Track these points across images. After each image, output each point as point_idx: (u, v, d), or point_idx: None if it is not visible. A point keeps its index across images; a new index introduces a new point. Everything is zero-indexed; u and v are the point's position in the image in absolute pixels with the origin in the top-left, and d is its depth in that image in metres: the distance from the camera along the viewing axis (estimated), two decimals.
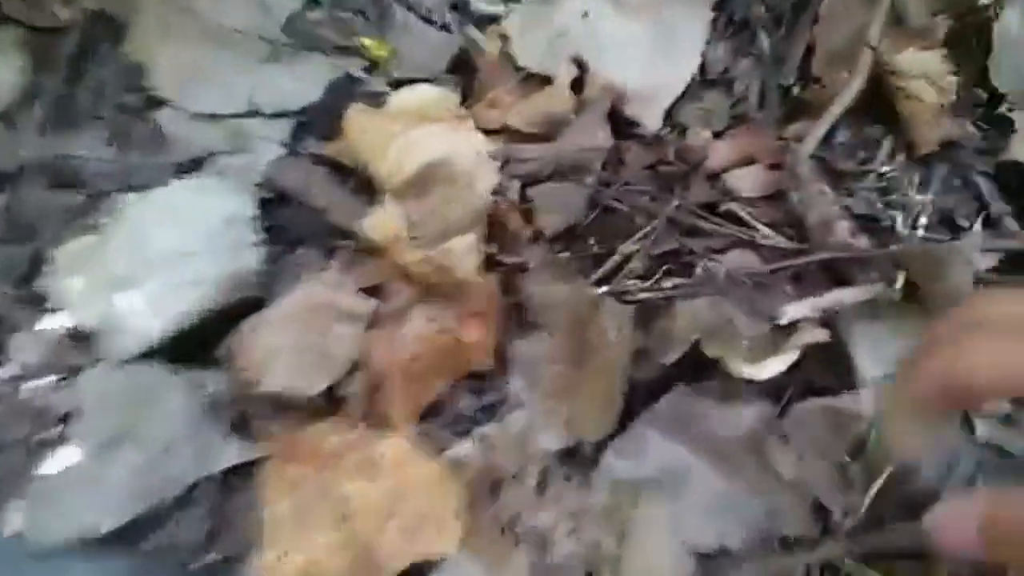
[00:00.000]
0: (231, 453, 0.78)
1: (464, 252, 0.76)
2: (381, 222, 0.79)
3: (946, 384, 0.37)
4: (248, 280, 0.84)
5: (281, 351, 0.76)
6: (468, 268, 0.76)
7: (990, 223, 0.96)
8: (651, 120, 1.00)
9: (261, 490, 0.76)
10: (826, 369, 0.87)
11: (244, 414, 0.81)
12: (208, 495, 0.78)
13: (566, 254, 0.90)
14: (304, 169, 0.94)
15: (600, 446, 0.83)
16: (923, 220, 0.95)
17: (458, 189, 0.82)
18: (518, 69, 1.01)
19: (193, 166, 0.96)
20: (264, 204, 0.93)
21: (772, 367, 0.81)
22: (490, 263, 0.84)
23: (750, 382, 0.82)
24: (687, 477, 0.81)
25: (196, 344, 0.82)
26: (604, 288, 0.87)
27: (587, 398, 0.83)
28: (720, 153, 0.98)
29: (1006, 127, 1.01)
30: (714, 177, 0.97)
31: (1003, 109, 1.02)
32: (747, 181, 0.96)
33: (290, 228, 0.92)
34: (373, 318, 0.81)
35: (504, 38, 1.03)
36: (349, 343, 0.78)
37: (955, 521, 0.42)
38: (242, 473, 0.81)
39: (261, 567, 0.74)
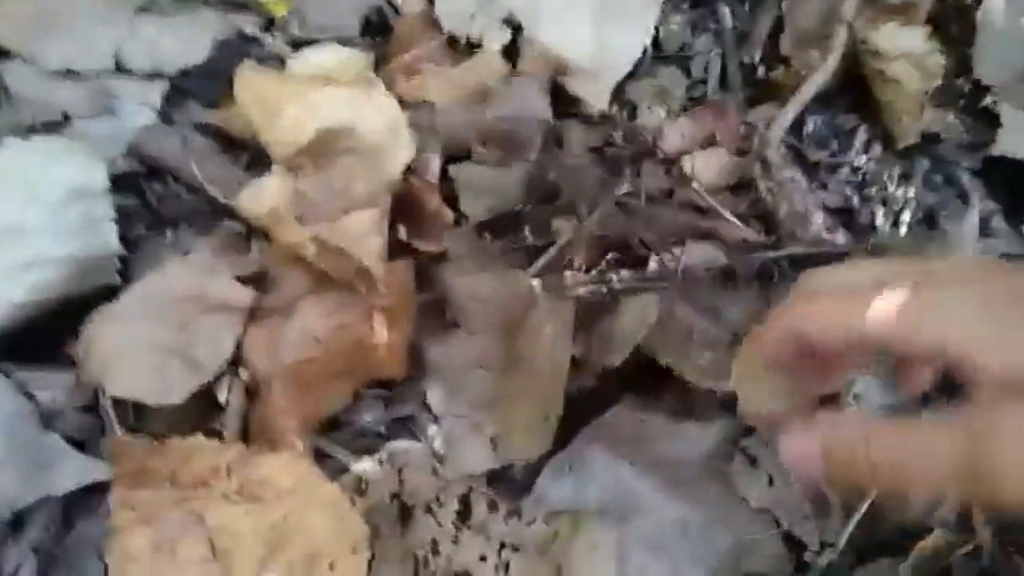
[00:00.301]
0: (70, 473, 0.72)
1: (363, 231, 0.73)
2: (261, 194, 0.76)
3: (784, 337, 0.48)
4: (101, 265, 0.79)
5: (131, 350, 0.71)
6: (368, 251, 0.73)
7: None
8: (597, 98, 0.99)
9: (110, 520, 0.70)
10: None
11: (89, 426, 0.75)
12: (41, 525, 0.72)
13: (495, 244, 0.88)
14: (180, 138, 0.90)
15: (533, 468, 0.80)
16: (906, 216, 0.96)
17: (363, 162, 0.79)
18: (443, 33, 1.00)
19: (45, 130, 0.90)
20: (130, 178, 0.89)
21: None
22: (402, 250, 0.81)
23: (710, 393, 0.81)
24: (636, 505, 0.79)
25: (33, 341, 0.76)
26: (540, 282, 0.84)
27: (519, 411, 0.80)
28: (676, 135, 0.98)
29: (990, 121, 1.05)
30: (669, 162, 0.97)
31: (988, 102, 1.06)
32: (708, 166, 0.96)
33: (161, 206, 0.88)
34: (253, 312, 0.76)
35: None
36: (222, 341, 0.74)
37: (801, 446, 0.49)
38: (86, 499, 0.75)
39: None
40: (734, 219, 0.91)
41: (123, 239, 0.83)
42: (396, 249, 0.81)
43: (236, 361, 0.76)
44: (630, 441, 0.81)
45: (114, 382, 0.71)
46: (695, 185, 0.94)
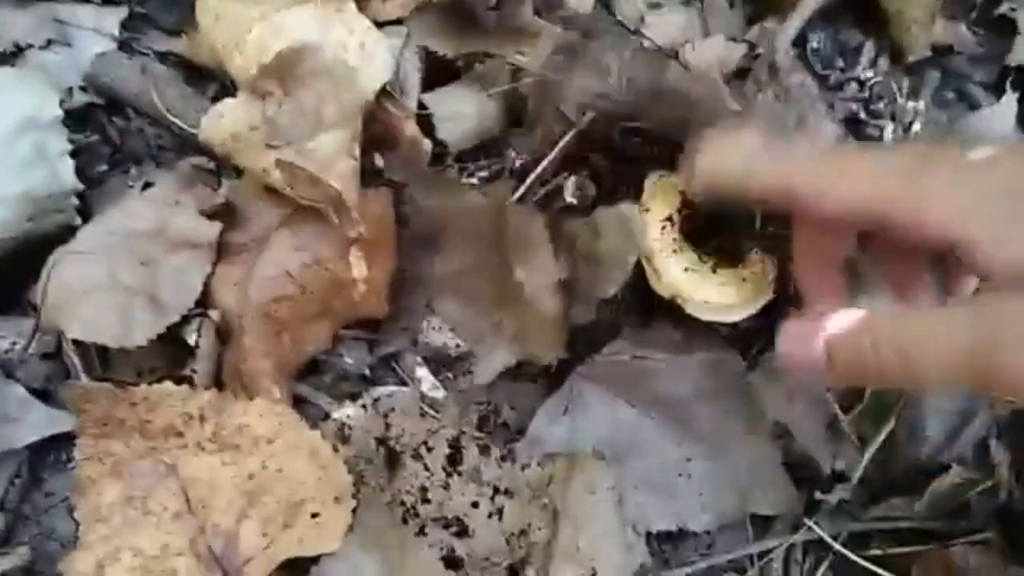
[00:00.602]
0: (34, 425, 0.67)
1: (332, 154, 0.67)
2: (223, 119, 0.69)
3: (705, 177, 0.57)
4: (58, 203, 0.73)
5: (91, 290, 0.65)
6: (339, 174, 0.67)
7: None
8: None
9: (78, 472, 0.65)
10: None
11: (52, 375, 0.70)
12: (5, 480, 0.68)
13: (480, 173, 0.81)
14: (140, 68, 0.82)
15: (527, 410, 0.75)
16: (916, 128, 0.89)
17: (333, 82, 0.72)
18: None
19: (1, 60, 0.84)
20: (88, 111, 0.82)
21: (742, 309, 0.74)
22: (379, 181, 0.75)
23: (710, 326, 0.75)
24: (635, 445, 0.74)
25: None
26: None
27: (529, 313, 0.74)
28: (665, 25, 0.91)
29: (1006, 30, 0.98)
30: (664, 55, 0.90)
31: (1003, 9, 0.98)
32: (703, 57, 0.88)
33: (122, 141, 0.81)
34: (222, 248, 0.70)
35: None
36: (188, 280, 0.68)
37: (801, 339, 0.49)
38: (53, 450, 0.70)
39: (76, 574, 0.63)
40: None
41: (83, 176, 0.77)
42: (372, 180, 0.75)
43: (205, 301, 0.70)
44: (628, 379, 0.76)
45: (74, 325, 0.65)
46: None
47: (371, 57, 0.77)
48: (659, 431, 0.75)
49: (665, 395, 0.76)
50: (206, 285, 0.70)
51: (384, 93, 0.76)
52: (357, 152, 0.69)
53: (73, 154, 0.77)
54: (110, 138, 0.81)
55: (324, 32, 0.77)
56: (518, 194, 0.81)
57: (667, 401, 0.76)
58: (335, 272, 0.71)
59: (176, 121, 0.79)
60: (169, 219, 0.69)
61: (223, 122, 0.68)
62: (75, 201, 0.74)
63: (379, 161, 0.75)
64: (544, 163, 0.81)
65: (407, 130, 0.75)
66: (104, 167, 0.80)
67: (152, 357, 0.70)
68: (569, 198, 0.84)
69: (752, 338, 0.78)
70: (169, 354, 0.70)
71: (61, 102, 0.75)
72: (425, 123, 0.80)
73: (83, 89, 0.82)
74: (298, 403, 0.73)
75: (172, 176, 0.73)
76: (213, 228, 0.69)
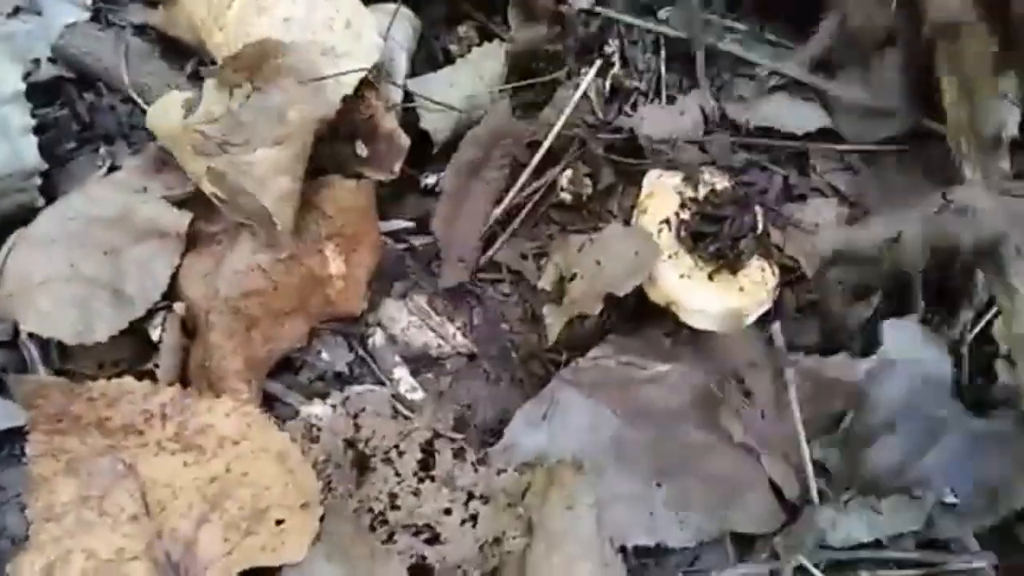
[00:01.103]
0: None
1: (271, 171, 0.61)
2: (170, 110, 0.64)
3: None
4: (18, 183, 0.68)
5: (50, 281, 0.61)
6: (276, 195, 0.61)
7: None
8: None
9: (30, 469, 0.61)
10: (805, 319, 0.77)
11: (9, 364, 0.66)
12: None
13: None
14: (112, 40, 0.77)
15: (501, 414, 0.71)
16: None
17: (304, 86, 0.66)
18: None
19: None
20: (56, 85, 0.77)
21: (737, 319, 0.70)
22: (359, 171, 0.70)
23: (704, 335, 0.71)
24: (616, 455, 0.70)
25: None
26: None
27: None
28: None
29: None
30: None
31: None
32: None
33: (91, 118, 0.76)
34: (191, 239, 0.65)
35: None
36: (154, 272, 0.63)
37: None
38: (7, 443, 0.66)
39: None
40: None
41: (48, 154, 0.72)
42: (354, 169, 0.70)
43: (171, 294, 0.65)
44: (613, 386, 0.72)
45: (30, 317, 0.61)
46: None
47: (358, 37, 0.72)
48: (641, 442, 0.71)
49: (649, 405, 0.72)
50: (173, 277, 0.65)
51: (365, 81, 0.71)
52: (301, 172, 0.64)
53: (38, 130, 0.72)
54: (79, 114, 0.76)
55: (310, 9, 0.72)
56: (513, 189, 0.76)
57: (651, 412, 0.72)
58: (310, 267, 0.66)
59: (139, 98, 0.74)
60: (135, 206, 0.65)
61: (168, 114, 0.63)
62: (38, 181, 0.69)
63: (361, 150, 0.70)
64: (537, 157, 0.77)
65: (385, 123, 0.70)
66: (71, 145, 0.75)
67: (114, 350, 0.65)
68: (563, 194, 0.79)
69: (744, 350, 0.73)
70: (133, 347, 0.65)
71: (26, 75, 0.70)
72: (411, 112, 0.75)
73: (52, 61, 0.77)
74: (270, 401, 0.69)
75: (141, 159, 0.68)
76: (182, 218, 0.65)
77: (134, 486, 0.63)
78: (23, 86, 0.68)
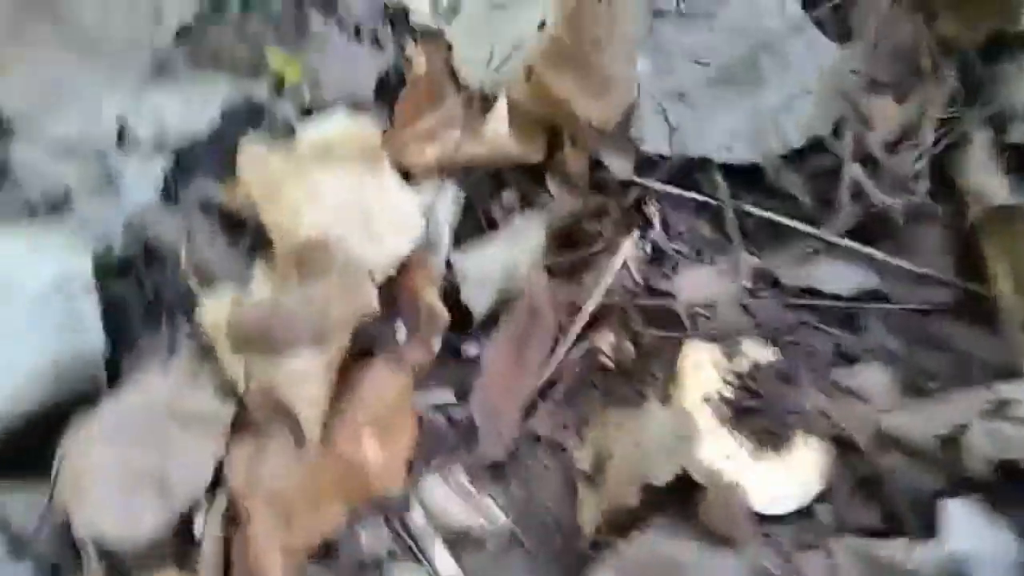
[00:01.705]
0: None
1: (301, 376, 0.61)
2: (214, 310, 0.65)
3: None
4: (84, 369, 0.70)
5: (101, 477, 0.62)
6: (303, 399, 0.61)
7: None
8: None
9: None
10: (863, 497, 0.72)
11: (63, 555, 0.66)
12: None
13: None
14: (183, 218, 0.80)
15: None
16: None
17: (345, 282, 0.68)
18: (461, 88, 0.88)
19: (47, 210, 0.83)
20: (129, 263, 0.80)
21: (785, 502, 0.66)
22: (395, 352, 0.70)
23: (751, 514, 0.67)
24: None
25: (9, 455, 0.68)
26: None
27: None
28: None
29: None
30: None
31: None
32: None
33: (156, 294, 0.79)
34: (236, 428, 0.66)
35: (445, 48, 0.89)
36: (199, 463, 0.64)
37: None
38: None
39: None
40: None
41: (117, 332, 0.74)
42: (392, 350, 0.70)
43: (215, 486, 0.66)
44: (656, 570, 0.68)
45: (80, 515, 0.62)
46: None
47: (402, 218, 0.73)
48: None
49: None
50: (218, 469, 0.65)
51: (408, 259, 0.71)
52: (334, 375, 0.64)
53: (107, 312, 0.75)
54: (146, 294, 0.79)
55: (359, 196, 0.74)
56: (555, 358, 0.75)
57: None
58: (346, 454, 0.65)
59: (192, 279, 0.76)
60: (186, 395, 0.66)
61: (212, 313, 0.65)
62: (102, 367, 0.71)
63: (401, 334, 0.70)
64: (578, 325, 0.76)
65: (425, 298, 0.70)
66: (137, 325, 0.78)
67: (160, 548, 0.66)
68: (604, 359, 0.78)
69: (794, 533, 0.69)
70: (176, 544, 0.65)
71: (98, 259, 0.73)
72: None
73: (125, 240, 0.81)
74: None
75: (196, 345, 0.70)
76: (227, 408, 0.65)
77: None
78: (93, 275, 0.71)
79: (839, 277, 0.79)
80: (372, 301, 0.66)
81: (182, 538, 0.65)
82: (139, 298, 0.79)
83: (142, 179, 0.85)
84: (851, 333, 0.79)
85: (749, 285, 0.79)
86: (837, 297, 0.78)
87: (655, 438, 0.66)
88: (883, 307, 0.78)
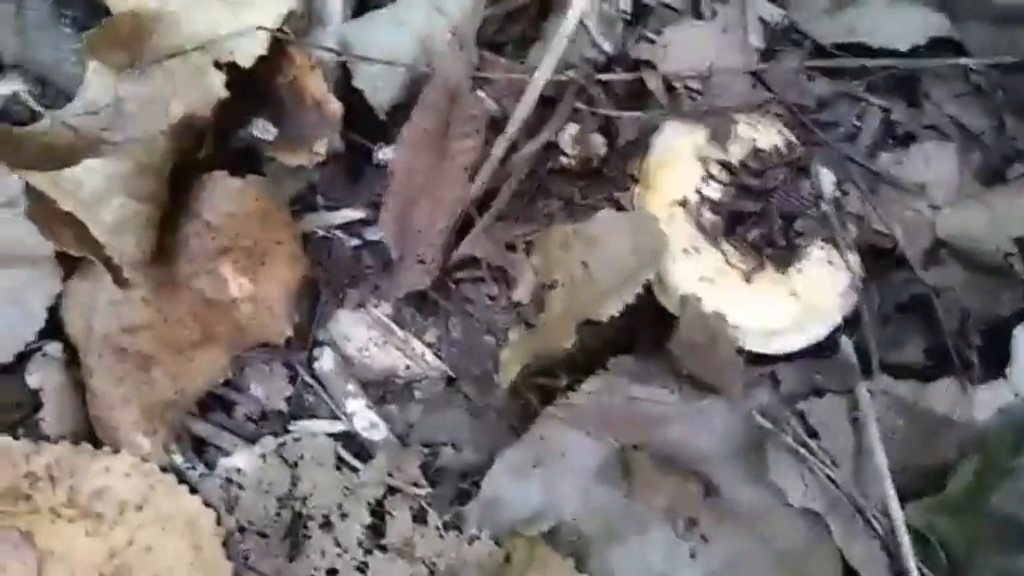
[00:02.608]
0: None
1: (100, 190, 0.44)
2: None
3: None
4: None
5: None
6: (100, 220, 0.45)
7: None
8: None
9: None
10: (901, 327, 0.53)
11: None
12: None
13: None
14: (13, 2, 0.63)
15: (480, 460, 0.55)
16: None
17: (192, 63, 0.50)
18: None
19: None
20: None
21: (788, 337, 0.49)
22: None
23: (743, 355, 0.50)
24: (632, 521, 0.52)
25: None
26: None
27: None
28: None
29: None
30: None
31: None
32: None
33: None
34: (73, 262, 0.52)
35: None
36: (27, 304, 0.51)
37: None
38: None
39: None
40: None
41: None
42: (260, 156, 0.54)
43: (55, 331, 0.53)
44: (624, 424, 0.53)
45: None
46: None
47: None
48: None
49: (675, 451, 0.52)
50: (53, 309, 0.52)
51: (279, 36, 0.53)
52: (151, 187, 0.47)
53: None
54: None
55: None
56: (493, 157, 0.57)
57: (677, 460, 0.52)
58: (199, 292, 0.51)
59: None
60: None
61: None
62: None
63: (263, 132, 0.53)
64: (520, 112, 0.57)
65: (311, 86, 0.53)
66: None
67: (8, 394, 0.54)
68: (565, 159, 0.59)
69: (805, 375, 0.52)
70: (20, 396, 0.54)
71: None
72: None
73: None
74: (201, 449, 0.56)
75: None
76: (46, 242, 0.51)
77: (31, 557, 0.52)
78: None
79: (895, 25, 0.57)
80: (218, 88, 0.49)
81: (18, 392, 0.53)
82: None
83: None
84: (906, 103, 0.58)
85: (762, 46, 0.58)
86: (890, 53, 0.57)
87: (608, 255, 0.48)
88: (955, 63, 0.56)
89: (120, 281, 0.47)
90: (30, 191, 0.45)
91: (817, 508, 0.49)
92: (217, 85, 0.49)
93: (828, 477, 0.49)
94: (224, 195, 0.50)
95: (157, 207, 0.48)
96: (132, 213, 0.46)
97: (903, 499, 0.49)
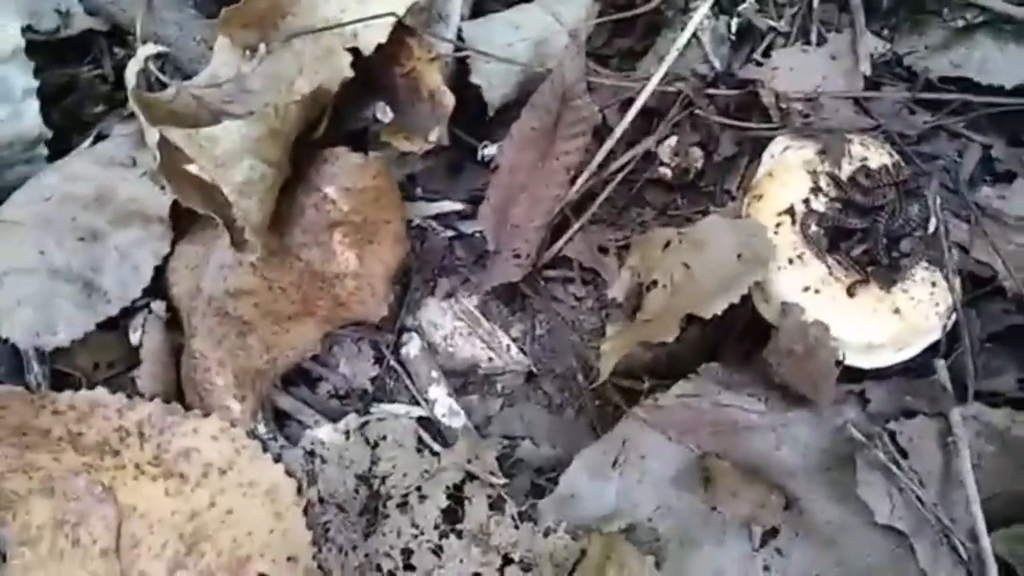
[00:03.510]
0: None
1: (234, 152, 0.46)
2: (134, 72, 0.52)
3: None
4: (21, 152, 0.60)
5: (9, 272, 0.51)
6: (238, 183, 0.47)
7: None
8: None
9: (2, 485, 0.53)
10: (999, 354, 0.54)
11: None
12: None
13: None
14: None
15: (560, 455, 0.55)
16: None
17: (323, 40, 0.53)
18: None
19: None
20: (89, 38, 0.68)
21: (888, 353, 0.50)
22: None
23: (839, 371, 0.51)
24: (712, 522, 0.52)
25: None
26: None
27: None
28: None
29: None
30: None
31: None
32: None
33: (118, 75, 0.67)
34: (184, 223, 0.54)
35: None
36: (137, 263, 0.53)
37: None
38: None
39: None
40: None
41: (72, 119, 0.63)
42: (380, 140, 0.56)
43: (159, 290, 0.55)
44: (707, 431, 0.53)
45: None
46: None
47: None
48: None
49: (759, 462, 0.53)
50: (160, 269, 0.54)
51: (402, 26, 0.55)
52: (278, 154, 0.49)
53: (64, 90, 0.64)
54: (106, 73, 0.67)
55: None
56: (594, 162, 0.59)
57: (760, 470, 0.53)
58: (309, 263, 0.53)
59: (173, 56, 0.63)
60: (116, 183, 0.54)
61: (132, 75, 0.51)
62: (44, 150, 0.60)
63: (384, 114, 0.55)
64: (626, 119, 0.58)
65: (427, 79, 0.55)
66: (100, 108, 0.66)
67: (108, 351, 0.56)
68: (663, 169, 0.61)
69: (898, 395, 0.52)
70: (123, 350, 0.55)
71: (27, 28, 0.61)
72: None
73: (89, 14, 0.68)
74: (281, 421, 0.57)
75: (132, 126, 0.57)
76: (166, 199, 0.53)
77: (112, 513, 0.53)
78: (22, 42, 0.60)
79: (1004, 62, 0.58)
80: (345, 68, 0.51)
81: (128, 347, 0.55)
82: (99, 79, 0.67)
83: None
84: (1007, 142, 0.59)
85: (870, 74, 0.59)
86: (997, 90, 0.58)
87: (713, 259, 0.49)
88: None
89: (239, 243, 0.49)
90: (164, 148, 0.47)
91: (903, 528, 0.49)
92: (345, 66, 0.52)
93: (917, 497, 0.49)
94: (345, 169, 0.52)
95: (280, 173, 0.50)
96: (259, 176, 0.48)
97: (990, 526, 0.49)
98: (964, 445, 0.50)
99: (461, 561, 0.53)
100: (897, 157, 0.53)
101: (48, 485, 0.54)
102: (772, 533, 0.52)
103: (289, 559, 0.51)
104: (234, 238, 0.49)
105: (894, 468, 0.50)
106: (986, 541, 0.49)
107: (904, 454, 0.51)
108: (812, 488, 0.52)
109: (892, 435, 0.51)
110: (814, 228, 0.51)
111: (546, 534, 0.53)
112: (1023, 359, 0.53)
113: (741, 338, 0.56)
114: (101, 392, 0.53)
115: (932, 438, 0.51)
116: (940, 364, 0.52)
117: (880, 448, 0.51)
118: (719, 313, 0.48)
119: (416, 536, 0.53)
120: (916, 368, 0.52)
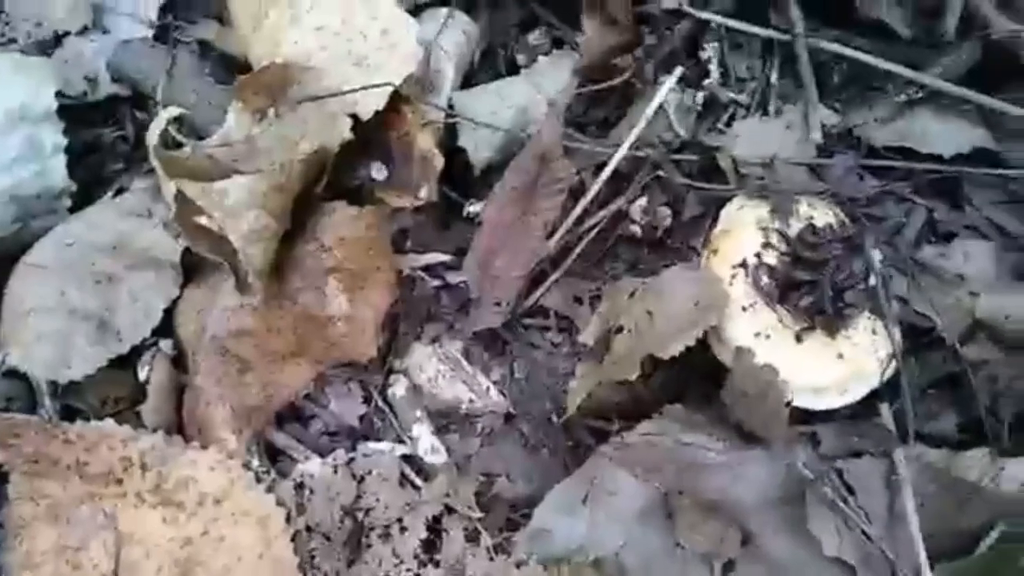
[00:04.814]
0: None
1: (241, 203, 0.53)
2: (154, 129, 0.59)
3: None
4: (48, 204, 0.65)
5: (33, 311, 0.57)
6: (240, 230, 0.53)
7: None
8: None
9: (12, 511, 0.58)
10: (939, 399, 0.59)
11: (15, 394, 0.63)
12: None
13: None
14: (163, 56, 0.74)
15: (533, 492, 0.60)
16: None
17: (325, 106, 0.60)
18: None
19: (38, 48, 0.78)
20: (114, 103, 0.75)
21: (832, 396, 0.54)
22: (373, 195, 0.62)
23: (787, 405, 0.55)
24: (671, 558, 0.56)
25: None
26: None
27: None
28: None
29: None
30: None
31: None
32: None
33: (137, 136, 0.73)
34: (194, 268, 0.60)
35: None
36: (147, 304, 0.58)
37: None
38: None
39: None
40: None
41: (92, 175, 0.70)
42: (375, 196, 0.62)
43: (167, 330, 0.60)
44: (670, 469, 0.58)
45: (14, 350, 0.57)
46: None
47: (393, 47, 0.64)
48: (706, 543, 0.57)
49: (718, 498, 0.57)
50: (169, 312, 0.60)
51: (398, 95, 0.62)
52: (283, 205, 0.55)
53: (88, 150, 0.71)
54: (127, 134, 0.74)
55: (346, 17, 0.65)
56: (570, 219, 0.65)
57: (719, 506, 0.57)
58: (305, 307, 0.58)
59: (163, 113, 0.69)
60: (135, 232, 0.60)
61: (155, 135, 0.58)
62: (67, 202, 0.66)
63: (379, 172, 0.61)
64: (599, 181, 0.65)
65: (420, 142, 0.61)
66: (119, 166, 0.73)
67: (117, 386, 0.61)
68: (633, 226, 0.67)
69: (846, 437, 0.57)
70: (131, 386, 0.60)
71: (58, 93, 0.67)
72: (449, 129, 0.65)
73: (115, 80, 0.76)
74: (275, 455, 0.62)
75: (150, 181, 0.64)
76: (177, 246, 0.59)
77: (111, 539, 0.58)
78: (55, 105, 0.66)
79: (941, 134, 0.64)
80: (345, 131, 0.58)
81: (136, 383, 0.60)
82: (122, 140, 0.74)
83: (134, 17, 0.79)
84: (949, 205, 0.65)
85: (822, 142, 0.66)
86: (936, 159, 0.64)
87: (672, 306, 0.55)
88: (993, 173, 0.63)
89: (243, 287, 0.54)
90: (180, 200, 0.53)
91: (851, 560, 0.53)
92: (345, 129, 0.58)
93: (863, 532, 0.53)
94: (341, 221, 0.58)
95: (283, 224, 0.56)
96: (263, 226, 0.54)
97: (932, 560, 0.53)
98: (907, 484, 0.54)
99: None
100: (842, 216, 0.59)
101: (54, 512, 0.58)
102: (730, 566, 0.56)
103: None
104: (239, 282, 0.54)
105: (842, 505, 0.55)
106: (928, 574, 0.53)
107: (852, 491, 0.56)
108: (767, 523, 0.56)
109: (840, 473, 0.56)
110: (766, 280, 0.56)
111: (519, 565, 0.57)
112: (961, 404, 0.58)
113: (702, 381, 0.61)
114: (109, 423, 0.58)
115: (878, 477, 0.56)
116: (884, 408, 0.56)
117: (829, 486, 0.55)
118: (676, 355, 0.53)
119: (396, 565, 0.57)
120: (863, 411, 0.57)
